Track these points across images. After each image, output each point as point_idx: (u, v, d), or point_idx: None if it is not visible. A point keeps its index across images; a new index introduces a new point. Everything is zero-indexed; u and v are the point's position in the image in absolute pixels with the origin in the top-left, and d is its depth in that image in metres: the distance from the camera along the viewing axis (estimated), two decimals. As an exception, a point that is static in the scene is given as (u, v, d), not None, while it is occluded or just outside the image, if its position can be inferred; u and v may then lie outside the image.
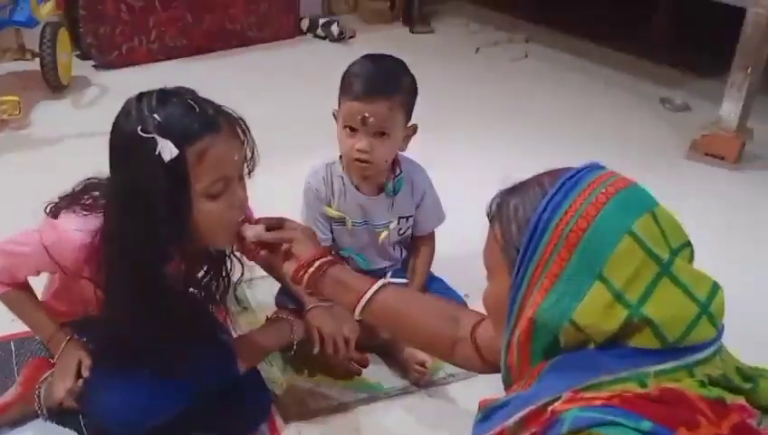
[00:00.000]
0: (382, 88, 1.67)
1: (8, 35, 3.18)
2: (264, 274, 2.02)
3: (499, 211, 0.95)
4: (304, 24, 4.24)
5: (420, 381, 1.75)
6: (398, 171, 1.83)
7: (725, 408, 0.81)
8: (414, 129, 1.77)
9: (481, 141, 3.03)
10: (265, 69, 3.77)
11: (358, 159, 1.71)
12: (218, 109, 1.30)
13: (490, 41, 4.30)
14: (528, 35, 4.36)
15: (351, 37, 4.17)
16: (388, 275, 1.87)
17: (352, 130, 1.69)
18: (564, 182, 0.90)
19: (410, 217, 1.88)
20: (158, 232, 1.26)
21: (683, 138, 3.15)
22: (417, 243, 1.94)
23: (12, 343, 1.78)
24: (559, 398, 0.84)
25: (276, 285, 1.91)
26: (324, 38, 4.18)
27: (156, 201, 1.22)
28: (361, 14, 4.56)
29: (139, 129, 1.21)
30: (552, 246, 0.87)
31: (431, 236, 1.95)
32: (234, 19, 3.95)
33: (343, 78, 1.73)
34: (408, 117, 1.75)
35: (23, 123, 2.94)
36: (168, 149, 1.19)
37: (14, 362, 1.73)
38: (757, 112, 3.05)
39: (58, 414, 1.58)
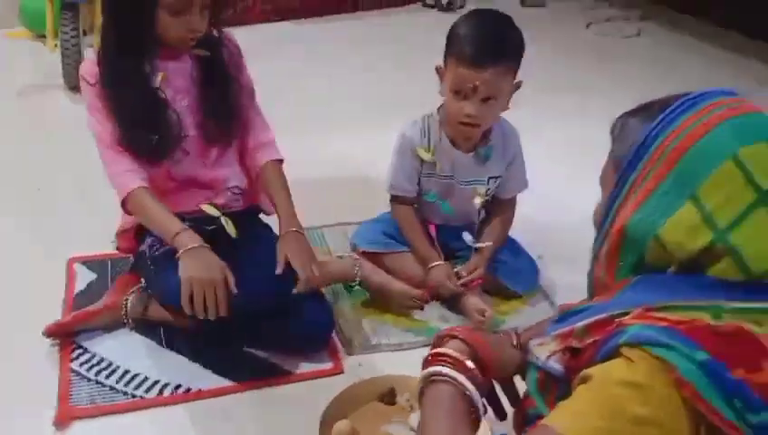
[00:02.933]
0: (491, 54, 1.66)
1: None
2: (343, 219, 2.11)
3: (619, 128, 0.94)
4: (416, -8, 4.28)
5: (480, 328, 1.77)
6: (490, 136, 1.84)
7: None
8: (518, 85, 1.77)
9: (575, 120, 2.96)
10: (375, 34, 3.83)
11: (464, 123, 1.73)
12: None
13: (602, 17, 4.20)
14: (644, 13, 4.22)
15: (461, 7, 4.17)
16: (464, 235, 1.89)
17: (459, 92, 1.70)
18: (683, 102, 0.88)
19: (499, 177, 1.89)
20: (130, 31, 1.55)
21: None
22: (499, 205, 1.95)
23: (109, 262, 1.93)
24: (629, 313, 0.83)
25: (350, 232, 1.99)
26: (433, 7, 4.20)
27: (130, 8, 1.53)
28: (473, -17, 4.54)
29: None
30: (653, 161, 0.86)
31: (513, 201, 1.96)
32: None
33: (451, 36, 1.72)
34: (516, 73, 1.75)
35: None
36: None
37: (110, 279, 1.87)
38: None
39: (141, 325, 1.72)
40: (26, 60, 3.29)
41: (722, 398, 0.73)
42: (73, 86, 2.87)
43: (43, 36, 3.17)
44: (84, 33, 2.96)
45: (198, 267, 1.51)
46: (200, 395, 1.57)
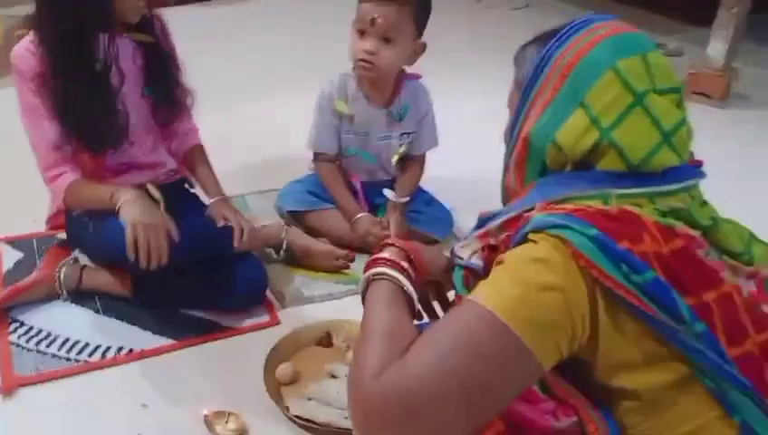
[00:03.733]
0: None
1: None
2: (264, 187, 2.20)
3: (520, 56, 1.07)
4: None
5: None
6: (401, 93, 1.96)
7: (674, 234, 0.92)
8: (423, 46, 1.90)
9: (471, 83, 3.15)
10: (287, 13, 3.89)
11: (363, 60, 1.84)
12: None
13: (494, -5, 4.41)
14: (532, -14, 4.46)
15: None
16: (385, 191, 2.01)
17: (363, 33, 1.83)
18: (572, 26, 1.02)
19: (412, 132, 2.02)
20: (80, 9, 1.51)
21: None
22: (409, 161, 2.08)
23: (34, 241, 1.95)
24: (534, 208, 0.96)
25: (273, 198, 2.09)
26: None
27: None
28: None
29: None
30: (549, 77, 0.99)
31: (423, 157, 2.10)
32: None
33: None
34: (418, 32, 1.87)
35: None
36: None
37: (37, 257, 1.89)
38: (743, 54, 3.16)
39: (76, 295, 1.75)
40: None
41: (611, 264, 0.86)
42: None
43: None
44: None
45: (140, 212, 1.56)
46: (142, 355, 1.62)
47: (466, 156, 2.40)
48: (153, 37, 1.69)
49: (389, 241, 1.10)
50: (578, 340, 0.88)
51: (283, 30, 3.66)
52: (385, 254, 1.06)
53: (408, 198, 2.01)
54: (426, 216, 2.04)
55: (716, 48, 3.00)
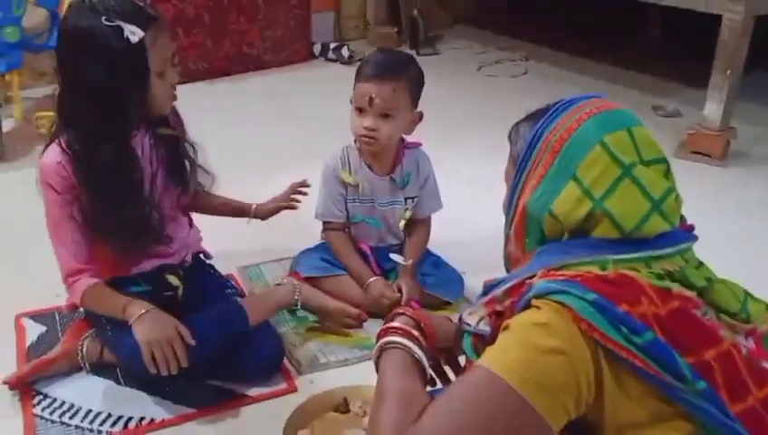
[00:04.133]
0: (388, 72, 1.90)
1: (44, 59, 3.45)
2: (278, 257, 2.26)
3: (514, 133, 1.16)
4: (317, 48, 4.52)
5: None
6: (403, 162, 2.05)
7: (670, 295, 0.97)
8: (420, 115, 2.00)
9: (474, 149, 3.24)
10: (281, 90, 4.03)
11: (364, 136, 1.94)
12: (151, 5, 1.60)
13: (492, 60, 4.55)
14: (528, 54, 4.61)
15: (361, 59, 4.42)
16: (392, 256, 2.07)
17: (361, 110, 1.93)
18: (559, 106, 1.10)
19: (416, 197, 2.10)
20: (123, 110, 1.55)
21: (674, 139, 3.34)
22: (414, 225, 2.15)
23: (56, 314, 2.00)
24: (536, 274, 1.02)
25: (287, 266, 2.15)
26: (335, 61, 4.45)
27: (124, 80, 1.52)
28: (370, 38, 4.84)
29: (103, 19, 1.49)
30: (542, 153, 1.07)
31: (428, 220, 2.17)
32: (251, 44, 4.23)
33: (358, 66, 1.97)
34: (414, 103, 1.97)
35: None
36: (135, 32, 1.49)
37: (59, 330, 1.94)
38: (740, 112, 3.25)
39: (98, 367, 1.80)
40: None
41: (611, 326, 0.91)
42: (-5, 156, 2.93)
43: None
44: (0, 106, 3.03)
45: (153, 329, 1.60)
46: (163, 424, 1.66)
47: (472, 219, 2.48)
48: (171, 127, 1.75)
49: (401, 310, 1.16)
50: (584, 400, 0.93)
51: (282, 107, 3.79)
52: (396, 323, 1.11)
53: (413, 261, 2.06)
54: (436, 278, 2.10)
55: (712, 109, 3.08)
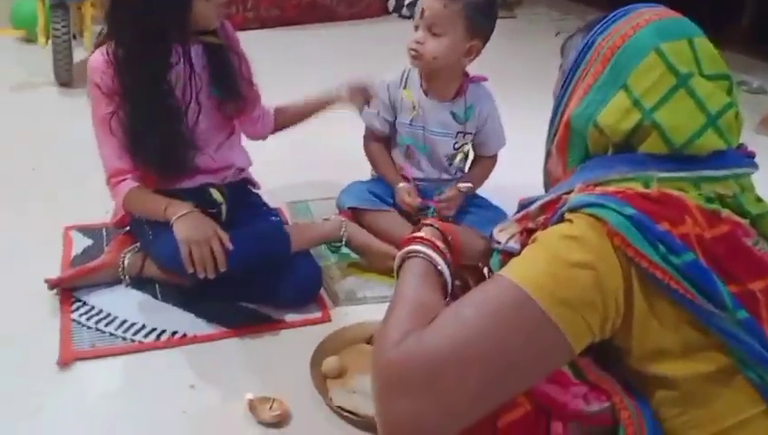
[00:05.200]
0: None
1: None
2: (326, 195, 2.23)
3: (566, 44, 1.09)
4: (390, 3, 4.46)
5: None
6: (465, 94, 2.00)
7: (719, 219, 0.89)
8: (477, 48, 1.92)
9: (539, 109, 3.13)
10: (350, 43, 3.99)
11: (410, 49, 1.91)
12: None
13: (571, 27, 4.39)
14: (609, 23, 4.44)
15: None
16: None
17: (416, 28, 1.90)
18: (616, 13, 1.02)
19: (468, 134, 2.04)
20: (163, 29, 1.56)
21: (756, 116, 3.17)
22: (479, 160, 2.13)
23: (103, 230, 2.03)
24: (574, 190, 0.96)
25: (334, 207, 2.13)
26: (409, 18, 4.36)
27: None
28: (447, -3, 4.74)
29: None
30: (592, 61, 0.99)
31: (494, 157, 2.13)
32: (325, -5, 4.20)
33: None
34: (472, 33, 1.89)
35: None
36: None
37: (105, 244, 1.96)
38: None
39: (137, 281, 1.81)
40: (18, 58, 3.37)
41: (648, 244, 0.84)
42: (63, 82, 2.98)
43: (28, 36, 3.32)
44: (74, 37, 3.08)
45: (192, 228, 1.62)
46: (195, 339, 1.66)
47: (521, 169, 2.39)
48: (219, 38, 1.73)
49: (429, 221, 1.11)
50: (610, 321, 0.86)
51: (350, 59, 3.74)
52: (421, 233, 1.06)
53: (469, 185, 2.03)
54: (477, 217, 2.03)
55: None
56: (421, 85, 2.00)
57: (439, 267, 1.01)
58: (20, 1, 3.43)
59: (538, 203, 1.01)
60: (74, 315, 1.70)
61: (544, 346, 0.85)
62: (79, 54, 3.14)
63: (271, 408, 1.46)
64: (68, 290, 1.76)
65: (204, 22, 1.64)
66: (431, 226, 1.09)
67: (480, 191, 2.12)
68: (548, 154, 1.07)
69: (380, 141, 2.10)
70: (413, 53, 1.91)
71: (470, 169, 2.13)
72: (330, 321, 1.76)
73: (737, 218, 0.91)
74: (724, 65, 0.99)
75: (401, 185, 2.02)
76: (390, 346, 0.86)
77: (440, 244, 1.04)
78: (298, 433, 1.43)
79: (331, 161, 2.46)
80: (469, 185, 2.01)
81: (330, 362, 1.58)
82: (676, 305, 0.86)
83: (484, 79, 2.05)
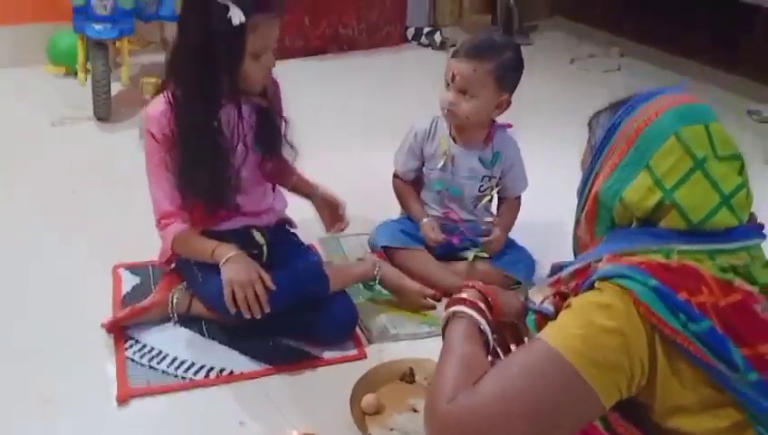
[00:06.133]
0: (474, 53, 1.99)
1: (153, 28, 3.65)
2: (356, 231, 2.35)
3: (594, 122, 1.21)
4: (410, 32, 4.57)
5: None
6: (492, 141, 2.13)
7: (732, 288, 1.00)
8: (507, 101, 2.06)
9: (556, 144, 3.23)
10: (372, 71, 4.13)
11: (445, 109, 2.04)
12: None
13: (585, 53, 4.51)
14: (623, 50, 4.53)
15: (453, 46, 4.45)
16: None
17: (447, 85, 2.03)
18: (641, 97, 1.14)
19: (494, 178, 2.17)
20: (218, 75, 1.69)
21: (768, 146, 3.26)
22: (503, 203, 2.25)
23: (150, 268, 2.15)
24: (602, 259, 1.07)
25: (365, 241, 2.25)
26: (428, 46, 4.50)
27: (219, 53, 1.65)
28: (464, 25, 4.86)
29: None
30: (618, 142, 1.11)
31: (518, 199, 2.25)
32: (346, 25, 4.33)
33: None
34: (502, 88, 2.02)
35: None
36: (237, 15, 1.62)
37: (152, 282, 2.09)
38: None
39: (185, 319, 1.94)
40: (58, 92, 3.48)
41: (669, 312, 0.96)
42: (102, 117, 3.12)
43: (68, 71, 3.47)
44: (110, 70, 3.22)
45: (236, 271, 1.74)
46: (240, 377, 1.77)
47: (547, 205, 2.50)
48: (267, 99, 1.85)
49: (470, 283, 1.22)
50: (636, 381, 0.97)
51: (372, 88, 3.88)
52: (464, 295, 1.18)
53: (499, 232, 2.15)
54: (510, 257, 2.16)
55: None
56: (450, 133, 2.12)
57: (482, 327, 1.13)
58: (58, 35, 3.56)
59: (570, 269, 1.12)
60: (128, 353, 1.82)
61: (579, 402, 0.96)
62: (115, 88, 3.28)
63: (314, 443, 1.57)
64: (121, 328, 1.88)
65: (250, 82, 1.76)
66: (473, 288, 1.20)
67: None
68: (577, 222, 1.19)
69: (408, 183, 2.23)
70: (448, 113, 2.03)
71: (499, 212, 2.24)
72: (365, 357, 1.88)
73: (749, 287, 1.02)
74: (736, 147, 1.10)
75: (425, 220, 2.14)
76: (444, 401, 0.97)
77: (482, 305, 1.16)
78: (341, 467, 1.54)
79: (359, 198, 2.57)
80: (498, 233, 2.14)
81: (368, 400, 1.69)
82: (694, 367, 0.97)
83: (510, 126, 2.17)
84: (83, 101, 3.17)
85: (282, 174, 2.02)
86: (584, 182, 1.17)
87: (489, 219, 2.23)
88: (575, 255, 1.20)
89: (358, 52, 4.38)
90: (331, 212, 2.12)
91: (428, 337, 1.96)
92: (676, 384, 0.98)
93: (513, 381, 0.96)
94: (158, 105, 1.78)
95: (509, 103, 2.06)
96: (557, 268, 1.17)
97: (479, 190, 2.16)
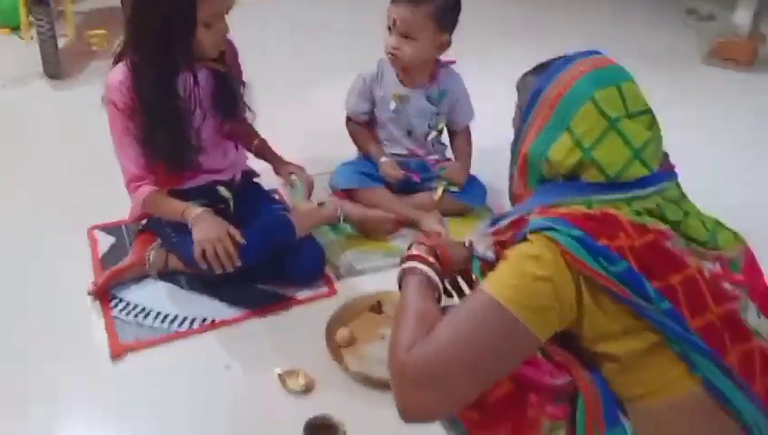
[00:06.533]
0: None
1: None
2: (318, 171, 2.46)
3: (521, 84, 1.32)
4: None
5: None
6: (437, 79, 2.23)
7: (646, 229, 1.15)
8: (447, 41, 2.16)
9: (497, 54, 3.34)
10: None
11: (389, 53, 2.14)
12: None
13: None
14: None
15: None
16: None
17: (389, 30, 2.11)
18: (561, 62, 1.25)
19: (441, 114, 2.29)
20: (171, 45, 1.76)
21: (706, 45, 3.39)
22: (455, 135, 2.38)
23: (123, 227, 2.26)
24: (533, 211, 1.21)
25: (327, 179, 2.38)
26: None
27: (172, 22, 1.72)
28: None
29: None
30: (541, 106, 1.23)
31: (467, 130, 2.38)
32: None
33: None
34: (441, 29, 2.12)
35: (110, 53, 3.32)
36: None
37: (127, 240, 2.20)
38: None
39: (163, 274, 2.07)
40: (4, 53, 3.47)
41: (592, 258, 1.10)
42: (53, 75, 3.13)
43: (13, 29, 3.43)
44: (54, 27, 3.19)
45: (205, 229, 1.85)
46: (223, 323, 1.92)
47: (498, 134, 2.63)
48: (224, 64, 1.92)
49: (421, 239, 1.36)
50: (567, 318, 1.13)
51: (324, 21, 3.89)
52: (415, 251, 1.32)
53: (461, 164, 2.31)
54: (469, 194, 2.30)
55: (743, 16, 3.13)
56: (397, 75, 2.21)
57: (432, 278, 1.28)
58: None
59: (506, 221, 1.26)
60: (114, 312, 1.95)
61: (519, 342, 1.12)
62: (61, 42, 3.26)
63: (298, 379, 1.74)
64: (105, 290, 2.00)
65: (204, 49, 1.82)
66: (423, 244, 1.34)
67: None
68: (511, 177, 1.32)
69: (361, 125, 2.33)
70: (392, 57, 2.12)
71: (453, 146, 2.38)
72: (336, 294, 2.03)
73: (660, 227, 1.17)
74: (646, 102, 1.23)
75: (383, 159, 2.26)
76: (402, 351, 1.12)
77: (431, 259, 1.30)
78: (323, 399, 1.70)
79: (316, 139, 2.68)
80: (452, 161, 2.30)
81: (341, 333, 1.85)
82: (616, 302, 1.12)
83: (453, 62, 2.27)
84: (31, 60, 3.17)
85: (242, 135, 2.12)
86: (514, 143, 1.30)
87: (439, 153, 2.35)
88: (512, 204, 1.34)
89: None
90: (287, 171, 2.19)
91: (391, 268, 2.08)
92: (601, 317, 1.13)
93: (461, 329, 1.11)
94: (117, 74, 1.84)
95: (449, 43, 2.15)
96: (495, 219, 1.31)
97: (428, 127, 2.28)
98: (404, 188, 2.32)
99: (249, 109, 2.05)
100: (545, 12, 3.98)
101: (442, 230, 2.18)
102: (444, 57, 2.26)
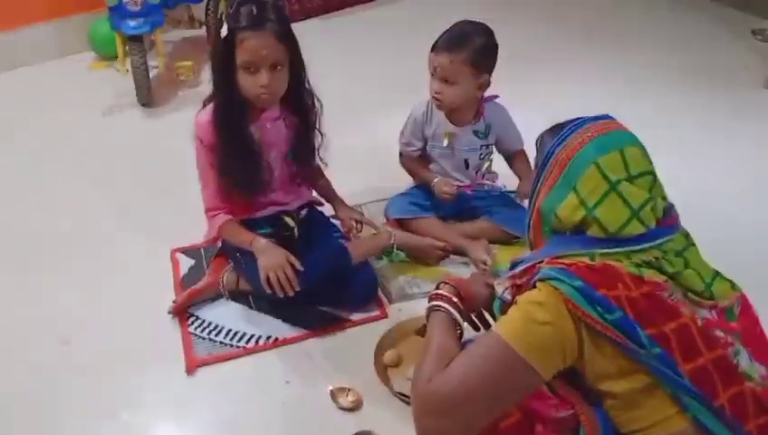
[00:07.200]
0: (447, 45, 2.24)
1: (180, 8, 3.89)
2: (374, 198, 2.65)
3: (539, 143, 1.48)
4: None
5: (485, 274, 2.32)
6: (483, 115, 2.39)
7: (642, 281, 1.29)
8: (486, 81, 2.31)
9: (563, 70, 3.45)
10: (392, 23, 4.32)
11: (433, 97, 2.32)
12: (276, 16, 1.97)
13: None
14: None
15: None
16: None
17: (432, 75, 2.28)
18: (572, 126, 1.41)
19: (490, 145, 2.46)
20: (226, 88, 2.02)
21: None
22: (512, 159, 2.53)
23: (202, 250, 2.51)
24: (543, 260, 1.37)
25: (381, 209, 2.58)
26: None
27: (218, 64, 2.02)
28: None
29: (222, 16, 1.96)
30: (552, 167, 1.40)
31: (522, 151, 2.50)
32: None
33: None
34: (478, 71, 2.27)
35: (196, 83, 3.63)
36: (224, 29, 1.98)
37: (204, 263, 2.45)
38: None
39: (234, 295, 2.30)
40: (103, 84, 3.75)
41: (590, 306, 1.25)
42: (144, 102, 3.43)
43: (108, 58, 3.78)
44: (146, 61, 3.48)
45: (269, 258, 2.08)
46: (285, 342, 2.14)
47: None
48: (299, 112, 2.16)
49: (446, 280, 1.54)
50: (569, 358, 1.28)
51: (393, 42, 4.05)
52: (441, 290, 1.50)
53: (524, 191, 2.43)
54: (505, 215, 2.46)
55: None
56: (445, 114, 2.38)
57: (454, 317, 1.45)
58: (97, 26, 3.79)
59: (522, 267, 1.43)
60: (191, 329, 2.19)
61: (523, 377, 1.28)
62: (153, 72, 3.56)
63: (347, 396, 1.93)
64: (183, 309, 2.25)
65: (245, 93, 2.03)
66: (448, 284, 1.52)
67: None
68: (527, 227, 1.48)
69: (415, 158, 2.52)
70: (436, 102, 2.29)
71: (514, 169, 2.52)
72: (387, 317, 2.22)
73: (656, 278, 1.31)
74: (648, 164, 1.37)
75: (437, 179, 2.43)
76: (423, 383, 1.31)
77: (455, 299, 1.48)
78: (369, 416, 1.89)
79: (375, 164, 2.86)
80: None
81: (389, 355, 2.03)
82: (612, 345, 1.27)
83: (497, 96, 2.43)
84: (126, 89, 3.46)
85: (310, 175, 2.34)
86: (530, 197, 1.46)
87: (489, 181, 2.51)
88: (531, 249, 1.50)
89: (375, 2, 4.53)
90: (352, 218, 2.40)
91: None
92: (600, 358, 1.28)
93: (474, 364, 1.28)
94: (204, 114, 2.12)
95: (489, 83, 2.32)
96: (514, 263, 1.47)
97: (479, 158, 2.45)
98: (456, 212, 2.48)
99: (321, 160, 2.27)
100: (604, 26, 4.03)
101: (488, 259, 2.33)
102: (488, 93, 2.41)
